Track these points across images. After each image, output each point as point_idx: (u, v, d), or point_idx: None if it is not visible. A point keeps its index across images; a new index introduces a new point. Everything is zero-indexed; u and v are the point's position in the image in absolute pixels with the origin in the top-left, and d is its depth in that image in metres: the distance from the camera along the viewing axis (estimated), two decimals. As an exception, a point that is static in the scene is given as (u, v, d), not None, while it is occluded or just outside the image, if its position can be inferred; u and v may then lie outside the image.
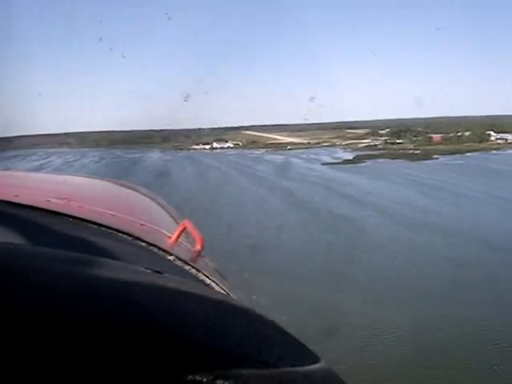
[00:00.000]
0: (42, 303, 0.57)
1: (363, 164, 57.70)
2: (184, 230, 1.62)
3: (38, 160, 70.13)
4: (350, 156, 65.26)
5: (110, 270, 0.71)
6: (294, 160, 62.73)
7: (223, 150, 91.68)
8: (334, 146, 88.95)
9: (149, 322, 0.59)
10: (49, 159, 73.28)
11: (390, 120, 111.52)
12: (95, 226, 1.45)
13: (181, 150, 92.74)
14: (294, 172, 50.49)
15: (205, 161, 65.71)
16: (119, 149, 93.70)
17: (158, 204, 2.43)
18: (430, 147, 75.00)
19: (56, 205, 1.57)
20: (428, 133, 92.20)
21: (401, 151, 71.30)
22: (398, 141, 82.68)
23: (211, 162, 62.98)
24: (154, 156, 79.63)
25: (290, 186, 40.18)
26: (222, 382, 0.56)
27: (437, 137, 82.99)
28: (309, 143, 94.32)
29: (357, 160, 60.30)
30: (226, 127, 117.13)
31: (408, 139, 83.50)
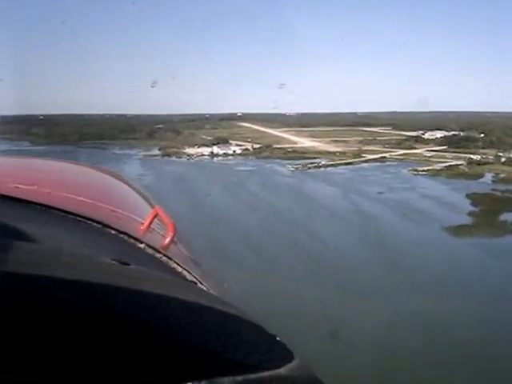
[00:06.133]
0: None
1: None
2: (156, 216, 1.50)
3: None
4: (465, 203, 35.96)
5: (73, 261, 0.66)
6: (369, 206, 33.81)
7: (228, 159, 62.77)
8: (383, 160, 60.95)
9: (110, 317, 0.55)
10: None
11: (390, 113, 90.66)
12: (64, 214, 1.36)
13: (169, 156, 63.28)
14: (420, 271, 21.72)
15: (215, 203, 36.08)
16: (87, 147, 62.86)
17: (133, 189, 2.27)
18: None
19: (24, 191, 1.48)
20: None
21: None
22: (482, 159, 54.90)
23: (222, 202, 33.81)
24: (129, 172, 49.74)
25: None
26: (185, 376, 0.52)
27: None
28: (344, 154, 65.49)
29: (495, 218, 31.39)
30: (218, 114, 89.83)
31: (495, 156, 55.91)
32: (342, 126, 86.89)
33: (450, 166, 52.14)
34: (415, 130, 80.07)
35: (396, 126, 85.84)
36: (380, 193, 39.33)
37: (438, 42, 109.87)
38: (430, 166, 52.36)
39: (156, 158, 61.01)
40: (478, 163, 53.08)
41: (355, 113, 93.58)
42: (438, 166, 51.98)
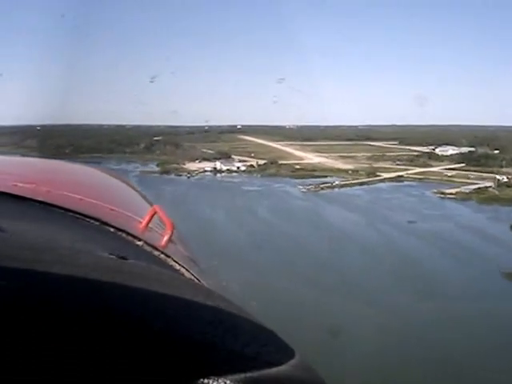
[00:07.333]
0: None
1: None
2: (154, 214, 1.52)
3: None
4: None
5: (71, 255, 0.66)
6: (404, 241, 28.53)
7: (233, 176, 57.54)
8: (400, 179, 55.80)
9: (109, 310, 0.55)
10: None
11: (390, 126, 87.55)
12: (62, 211, 1.36)
13: (168, 173, 58.02)
14: None
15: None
16: (82, 161, 57.29)
17: (131, 188, 2.30)
18: None
19: (23, 189, 1.49)
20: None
21: None
22: (510, 180, 49.68)
23: (239, 238, 28.45)
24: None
25: None
26: (182, 370, 0.52)
27: None
28: (357, 171, 60.36)
29: None
30: (218, 126, 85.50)
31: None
32: (344, 139, 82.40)
33: (478, 188, 46.80)
34: (422, 145, 75.37)
35: (402, 141, 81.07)
36: (411, 222, 34.13)
37: (439, 55, 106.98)
38: (455, 187, 47.20)
39: (154, 175, 55.42)
40: (508, 185, 48.07)
41: (356, 126, 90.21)
42: (465, 189, 46.70)
